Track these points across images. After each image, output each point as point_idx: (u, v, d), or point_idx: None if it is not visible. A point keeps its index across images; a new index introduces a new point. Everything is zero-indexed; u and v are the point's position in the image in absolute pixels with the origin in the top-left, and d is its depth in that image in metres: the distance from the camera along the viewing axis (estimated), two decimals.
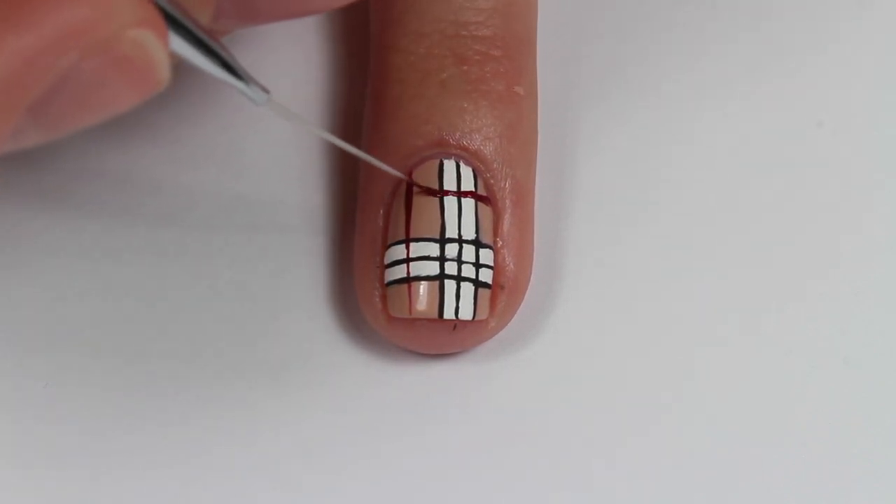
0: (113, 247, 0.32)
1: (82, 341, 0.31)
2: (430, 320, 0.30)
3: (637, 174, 0.33)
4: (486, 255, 0.30)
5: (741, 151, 0.33)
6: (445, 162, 0.30)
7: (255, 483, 0.30)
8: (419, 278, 0.29)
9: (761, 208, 0.32)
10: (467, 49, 0.30)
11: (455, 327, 0.30)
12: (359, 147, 0.32)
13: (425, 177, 0.30)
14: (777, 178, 0.33)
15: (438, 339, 0.30)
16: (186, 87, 0.33)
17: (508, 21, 0.31)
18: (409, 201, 0.30)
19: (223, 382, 0.31)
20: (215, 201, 0.32)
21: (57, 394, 0.31)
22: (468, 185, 0.30)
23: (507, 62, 0.31)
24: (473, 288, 0.30)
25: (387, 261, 0.30)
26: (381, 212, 0.30)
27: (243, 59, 0.33)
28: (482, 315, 0.30)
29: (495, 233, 0.30)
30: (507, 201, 0.30)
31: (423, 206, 0.30)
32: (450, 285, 0.29)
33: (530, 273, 0.31)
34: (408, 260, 0.29)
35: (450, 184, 0.30)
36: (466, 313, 0.29)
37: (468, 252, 0.30)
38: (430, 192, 0.30)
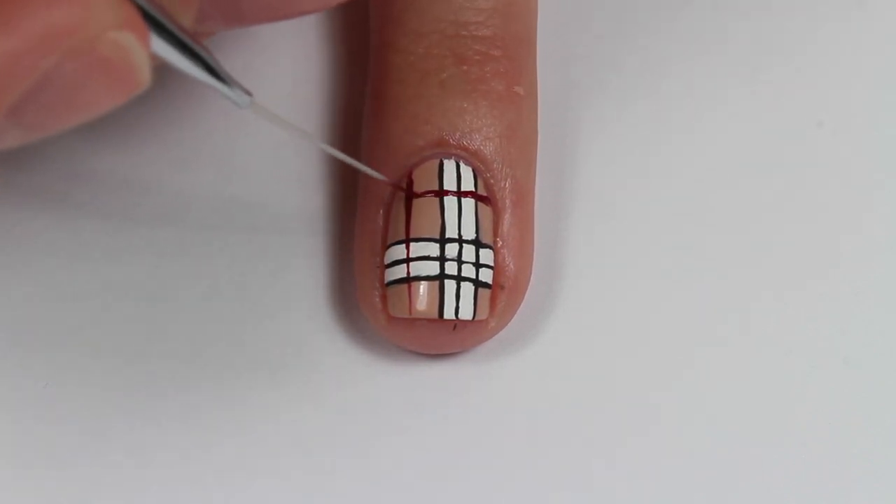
0: (113, 247, 0.32)
1: (82, 341, 0.31)
2: (430, 320, 0.30)
3: (637, 174, 0.33)
4: (486, 255, 0.30)
5: (741, 151, 0.33)
6: (445, 162, 0.30)
7: (256, 483, 0.30)
8: (419, 278, 0.29)
9: (761, 208, 0.32)
10: (467, 49, 0.30)
11: (455, 327, 0.30)
12: (358, 146, 0.32)
13: (425, 177, 0.30)
14: (777, 178, 0.33)
15: (438, 339, 0.30)
16: (186, 87, 0.33)
17: (508, 21, 0.31)
18: (409, 201, 0.30)
19: (223, 382, 0.31)
20: (215, 201, 0.32)
21: (57, 394, 0.31)
22: (468, 185, 0.30)
23: (506, 62, 0.31)
24: (473, 288, 0.30)
25: (387, 261, 0.30)
26: (381, 212, 0.30)
27: (241, 60, 0.34)
28: (482, 315, 0.30)
29: (495, 233, 0.30)
30: (507, 201, 0.30)
31: (423, 206, 0.30)
32: (450, 285, 0.29)
33: (530, 273, 0.31)
34: (408, 260, 0.29)
35: (450, 184, 0.30)
36: (466, 313, 0.29)
37: (468, 252, 0.30)
38: (427, 193, 0.30)
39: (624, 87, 0.34)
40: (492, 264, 0.30)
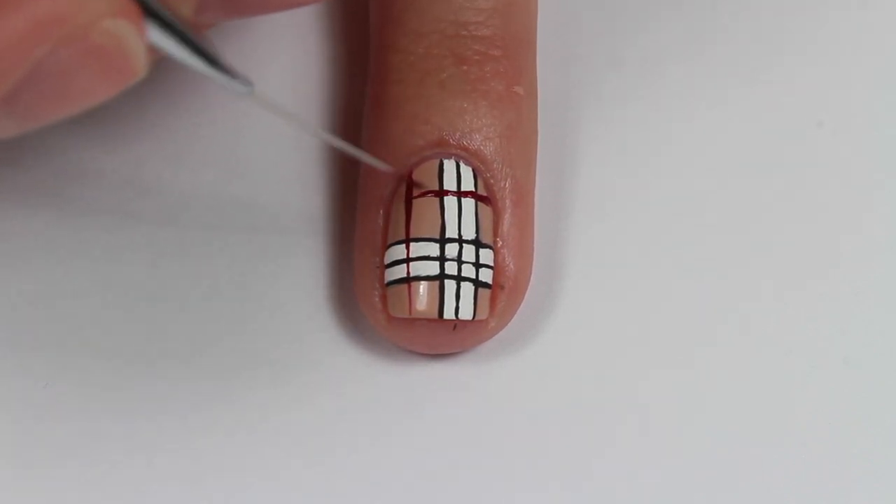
0: (113, 247, 0.32)
1: (82, 341, 0.31)
2: (430, 320, 0.30)
3: (637, 174, 0.33)
4: (486, 255, 0.30)
5: (741, 151, 0.33)
6: (445, 162, 0.30)
7: (256, 482, 0.30)
8: (419, 278, 0.29)
9: (761, 208, 0.32)
10: (467, 49, 0.30)
11: (455, 327, 0.30)
12: (358, 146, 0.32)
13: (425, 177, 0.30)
14: (777, 178, 0.33)
15: (438, 339, 0.30)
16: (186, 87, 0.33)
17: (508, 21, 0.31)
18: (409, 201, 0.30)
19: (223, 382, 0.31)
20: (215, 201, 0.32)
21: (57, 394, 0.31)
22: (468, 185, 0.30)
23: (506, 62, 0.31)
24: (473, 288, 0.30)
25: (387, 261, 0.30)
26: (381, 212, 0.30)
27: (241, 59, 0.34)
28: (482, 315, 0.30)
29: (495, 233, 0.30)
30: (507, 201, 0.30)
31: (423, 206, 0.30)
32: (450, 285, 0.29)
33: (530, 273, 0.31)
34: (408, 260, 0.29)
35: (450, 184, 0.30)
36: (466, 313, 0.29)
37: (468, 252, 0.30)
38: (427, 193, 0.30)
39: (624, 87, 0.34)
40: (492, 264, 0.30)
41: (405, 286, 0.29)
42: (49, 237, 0.32)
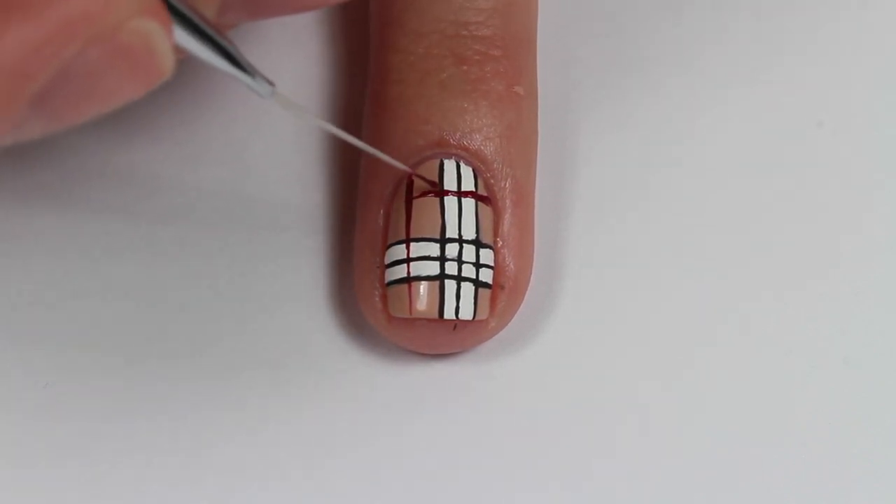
0: (113, 246, 0.32)
1: (82, 341, 0.31)
2: (430, 320, 0.30)
3: (637, 174, 0.33)
4: (487, 255, 0.30)
5: (741, 151, 0.33)
6: (446, 162, 0.30)
7: (256, 482, 0.30)
8: (419, 278, 0.29)
9: (761, 208, 0.32)
10: (467, 49, 0.30)
11: (455, 327, 0.30)
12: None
13: (425, 176, 0.30)
14: (777, 178, 0.33)
15: (438, 339, 0.30)
16: (186, 87, 0.33)
17: (508, 21, 0.31)
18: (410, 201, 0.30)
19: (223, 382, 0.31)
20: (215, 201, 0.32)
21: (57, 394, 0.31)
22: (468, 185, 0.30)
23: (506, 62, 0.31)
24: (473, 288, 0.30)
25: (387, 261, 0.30)
26: (382, 211, 0.30)
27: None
28: (482, 315, 0.30)
29: (495, 233, 0.30)
30: (508, 201, 0.30)
31: (424, 206, 0.30)
32: (450, 285, 0.29)
33: (530, 273, 0.31)
34: (408, 260, 0.29)
35: (450, 184, 0.30)
36: (466, 313, 0.29)
37: (468, 252, 0.30)
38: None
39: (624, 87, 0.34)
40: (492, 264, 0.30)
41: (405, 286, 0.29)
42: (49, 237, 0.32)
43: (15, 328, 0.31)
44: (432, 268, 0.29)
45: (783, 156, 0.33)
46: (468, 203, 0.30)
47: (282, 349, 0.31)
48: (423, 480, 0.30)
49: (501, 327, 0.30)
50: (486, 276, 0.30)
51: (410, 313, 0.29)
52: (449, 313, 0.29)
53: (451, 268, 0.29)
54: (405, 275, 0.29)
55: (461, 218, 0.30)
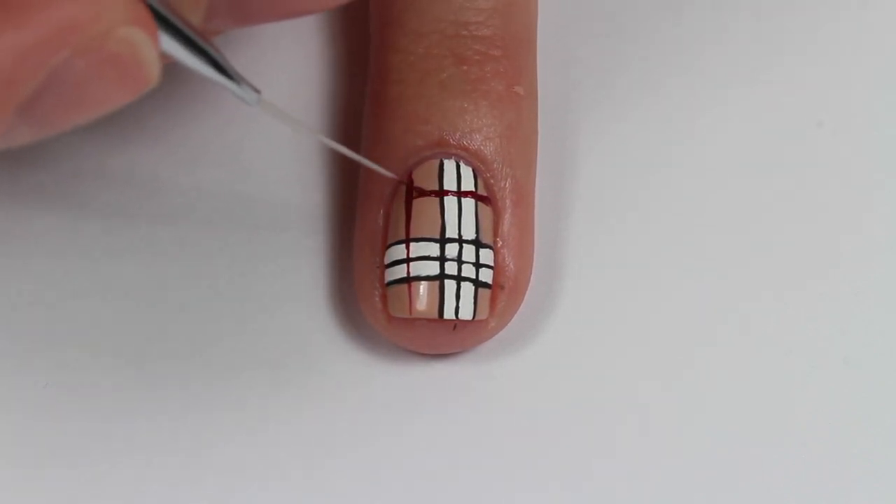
0: (113, 247, 0.32)
1: (82, 341, 0.31)
2: (430, 320, 0.30)
3: (637, 174, 0.33)
4: (486, 255, 0.30)
5: (741, 151, 0.33)
6: (445, 162, 0.30)
7: (256, 483, 0.30)
8: (419, 278, 0.29)
9: (761, 208, 0.32)
10: (467, 49, 0.30)
11: (455, 327, 0.30)
12: (358, 147, 0.32)
13: (425, 177, 0.30)
14: (777, 178, 0.33)
15: (438, 339, 0.30)
16: (186, 87, 0.33)
17: (508, 21, 0.31)
18: (409, 201, 0.30)
19: (223, 382, 0.31)
20: (215, 201, 0.32)
21: (57, 394, 0.31)
22: (468, 185, 0.30)
23: (506, 62, 0.31)
24: (473, 288, 0.30)
25: (387, 261, 0.30)
26: (381, 211, 0.30)
27: (243, 59, 0.34)
28: (482, 315, 0.30)
29: (495, 233, 0.30)
30: (507, 201, 0.30)
31: (424, 206, 0.30)
32: (450, 285, 0.29)
33: (530, 273, 0.31)
34: (408, 260, 0.29)
35: (450, 184, 0.30)
36: (466, 313, 0.29)
37: (468, 252, 0.30)
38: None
39: (624, 87, 0.34)
40: (492, 264, 0.30)
41: (405, 286, 0.29)
42: (49, 237, 0.32)
43: (15, 328, 0.31)
44: (432, 268, 0.29)
45: (783, 156, 0.33)
46: (468, 203, 0.30)
47: (282, 349, 0.31)
48: (423, 480, 0.30)
49: (501, 327, 0.30)
50: (485, 276, 0.30)
51: (410, 313, 0.29)
52: (449, 313, 0.29)
53: (450, 268, 0.29)
54: (405, 275, 0.29)
55: (461, 218, 0.30)
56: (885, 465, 0.30)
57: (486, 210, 0.30)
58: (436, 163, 0.30)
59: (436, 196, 0.30)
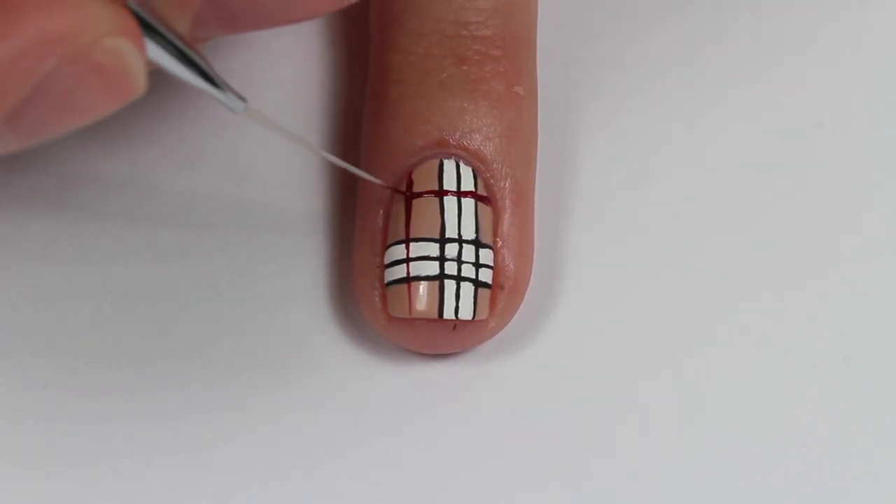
0: (113, 247, 0.32)
1: (82, 341, 0.31)
2: (430, 320, 0.30)
3: (637, 174, 0.33)
4: (486, 255, 0.30)
5: (741, 151, 0.33)
6: (445, 162, 0.30)
7: (256, 483, 0.30)
8: (419, 278, 0.29)
9: (761, 208, 0.32)
10: (467, 49, 0.30)
11: (455, 327, 0.30)
12: (358, 147, 0.32)
13: (425, 176, 0.30)
14: (777, 178, 0.33)
15: (438, 338, 0.30)
16: (186, 90, 0.33)
17: (508, 21, 0.31)
18: (409, 201, 0.30)
19: (223, 382, 0.31)
20: (215, 202, 0.32)
21: (57, 394, 0.31)
22: (468, 185, 0.30)
23: (506, 62, 0.31)
24: (473, 288, 0.30)
25: (387, 261, 0.30)
26: (381, 212, 0.30)
27: (242, 59, 0.34)
28: (482, 315, 0.30)
29: (495, 233, 0.30)
30: (507, 201, 0.30)
31: (423, 206, 0.30)
32: (450, 285, 0.29)
33: (530, 273, 0.31)
34: (408, 260, 0.29)
35: (450, 184, 0.30)
36: (466, 313, 0.29)
37: (468, 252, 0.30)
38: (417, 195, 0.30)
39: (624, 87, 0.34)
40: (492, 264, 0.30)
41: (405, 286, 0.29)
42: (49, 238, 0.32)
43: (15, 328, 0.31)
44: (432, 268, 0.29)
45: (783, 156, 0.33)
46: (468, 203, 0.30)
47: (282, 349, 0.31)
48: (423, 480, 0.30)
49: (501, 327, 0.30)
50: (485, 276, 0.30)
51: (410, 313, 0.29)
52: (448, 313, 0.29)
53: (450, 268, 0.29)
54: (405, 275, 0.29)
55: (461, 218, 0.30)
56: (885, 465, 0.30)
57: (485, 210, 0.30)
58: (435, 163, 0.30)
59: (435, 196, 0.30)
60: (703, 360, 0.31)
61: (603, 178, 0.33)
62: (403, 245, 0.30)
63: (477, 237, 0.30)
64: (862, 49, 0.34)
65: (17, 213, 0.32)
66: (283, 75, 0.34)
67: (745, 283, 0.32)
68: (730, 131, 0.33)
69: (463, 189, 0.30)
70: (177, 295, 0.31)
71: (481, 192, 0.30)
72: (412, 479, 0.30)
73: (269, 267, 0.32)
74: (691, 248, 0.32)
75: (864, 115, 0.33)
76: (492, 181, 0.30)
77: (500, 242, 0.30)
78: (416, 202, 0.30)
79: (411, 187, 0.30)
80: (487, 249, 0.30)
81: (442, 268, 0.29)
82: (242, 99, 0.26)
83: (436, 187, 0.30)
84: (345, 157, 0.32)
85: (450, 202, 0.30)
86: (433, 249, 0.29)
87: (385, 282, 0.30)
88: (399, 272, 0.30)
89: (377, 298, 0.30)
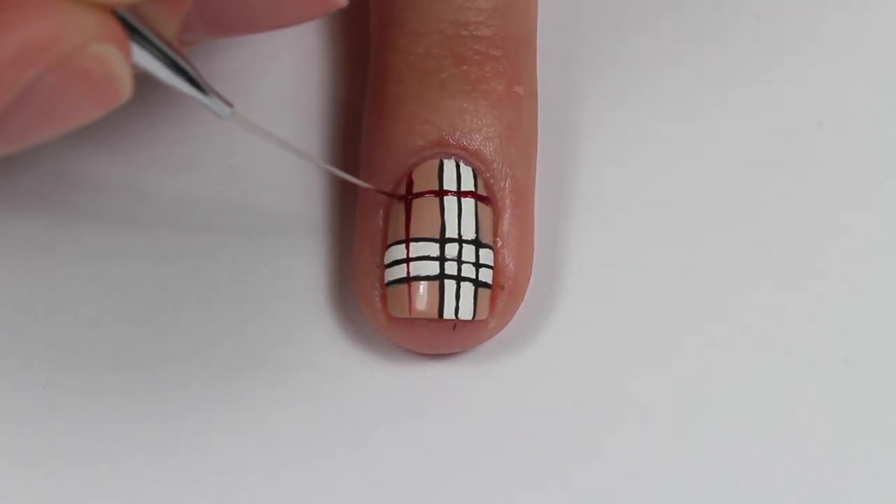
0: (113, 248, 0.32)
1: (82, 341, 0.31)
2: (430, 320, 0.30)
3: (637, 174, 0.33)
4: (486, 255, 0.30)
5: (741, 151, 0.33)
6: (445, 162, 0.30)
7: (256, 483, 0.30)
8: (419, 278, 0.29)
9: (761, 208, 0.32)
10: (467, 49, 0.31)
11: (455, 327, 0.30)
12: (358, 147, 0.32)
13: (425, 176, 0.30)
14: (777, 178, 0.33)
15: (438, 338, 0.30)
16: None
17: (508, 21, 0.31)
18: (409, 201, 0.30)
19: (223, 382, 0.31)
20: (215, 202, 0.32)
21: (57, 394, 0.31)
22: (468, 185, 0.30)
23: (506, 62, 0.31)
24: (473, 288, 0.30)
25: (387, 261, 0.30)
26: (381, 212, 0.30)
27: (241, 60, 0.34)
28: (482, 315, 0.30)
29: (495, 233, 0.30)
30: (507, 201, 0.30)
31: (423, 206, 0.30)
32: (450, 285, 0.29)
33: (530, 273, 0.31)
34: (408, 260, 0.29)
35: (450, 184, 0.30)
36: (466, 313, 0.29)
37: (468, 252, 0.30)
38: (427, 193, 0.30)
39: (624, 87, 0.34)
40: (492, 264, 0.30)
41: (405, 286, 0.29)
42: (49, 240, 0.32)
43: (15, 329, 0.31)
44: (432, 268, 0.29)
45: (783, 156, 0.33)
46: (468, 203, 0.30)
47: (281, 349, 0.31)
48: (423, 480, 0.30)
49: (501, 327, 0.30)
50: (485, 275, 0.30)
51: (410, 313, 0.29)
52: (448, 313, 0.29)
53: (450, 268, 0.29)
54: (405, 275, 0.29)
55: (461, 218, 0.30)
56: (885, 465, 0.30)
57: (485, 210, 0.30)
58: (435, 163, 0.30)
59: (436, 196, 0.30)
60: (703, 361, 0.31)
61: (603, 178, 0.33)
62: (403, 245, 0.30)
63: (477, 237, 0.30)
64: (862, 49, 0.34)
65: (17, 214, 0.32)
66: (283, 75, 0.34)
67: (745, 283, 0.32)
68: (730, 131, 0.33)
69: (463, 189, 0.30)
70: (177, 295, 0.31)
71: (481, 192, 0.30)
72: (412, 479, 0.30)
73: (268, 267, 0.32)
74: (691, 248, 0.32)
75: (864, 115, 0.33)
76: (492, 181, 0.30)
77: (500, 242, 0.30)
78: (416, 202, 0.30)
79: (411, 187, 0.30)
80: (487, 249, 0.30)
81: (442, 268, 0.29)
82: (229, 104, 0.26)
83: (436, 187, 0.30)
84: (345, 157, 0.32)
85: (450, 202, 0.30)
86: (433, 249, 0.29)
87: (385, 282, 0.30)
88: (399, 272, 0.30)
89: (377, 298, 0.30)
